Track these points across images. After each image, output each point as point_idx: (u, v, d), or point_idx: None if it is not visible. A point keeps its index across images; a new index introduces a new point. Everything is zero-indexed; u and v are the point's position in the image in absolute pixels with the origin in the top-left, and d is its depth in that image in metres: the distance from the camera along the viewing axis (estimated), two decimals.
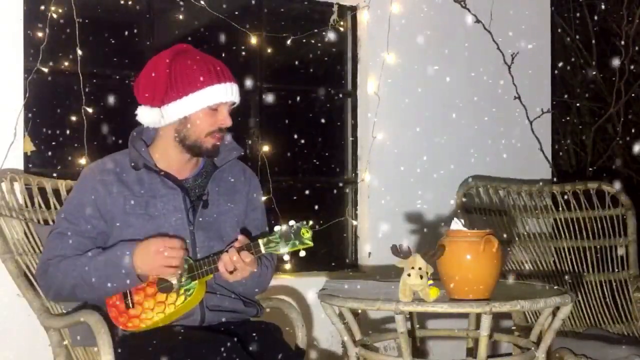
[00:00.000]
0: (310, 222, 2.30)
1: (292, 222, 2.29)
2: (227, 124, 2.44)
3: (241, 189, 2.57)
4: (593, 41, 5.01)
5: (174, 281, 2.33)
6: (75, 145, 3.16)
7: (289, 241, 2.28)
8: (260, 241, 2.29)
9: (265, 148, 3.60)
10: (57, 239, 2.41)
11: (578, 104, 5.26)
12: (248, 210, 2.57)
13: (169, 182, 2.44)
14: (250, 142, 3.63)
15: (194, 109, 2.39)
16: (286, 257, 2.33)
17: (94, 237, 2.41)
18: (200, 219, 2.44)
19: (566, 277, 3.60)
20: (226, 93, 2.41)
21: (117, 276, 2.30)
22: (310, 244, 2.28)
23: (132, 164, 2.43)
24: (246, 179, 2.60)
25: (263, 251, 2.30)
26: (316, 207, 3.75)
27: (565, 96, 5.17)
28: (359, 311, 3.13)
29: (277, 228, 2.29)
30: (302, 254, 2.32)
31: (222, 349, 2.18)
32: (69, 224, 2.41)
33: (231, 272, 2.31)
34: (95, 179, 2.43)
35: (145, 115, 2.45)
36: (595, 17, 5.02)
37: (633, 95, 4.94)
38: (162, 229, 2.39)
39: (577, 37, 5.09)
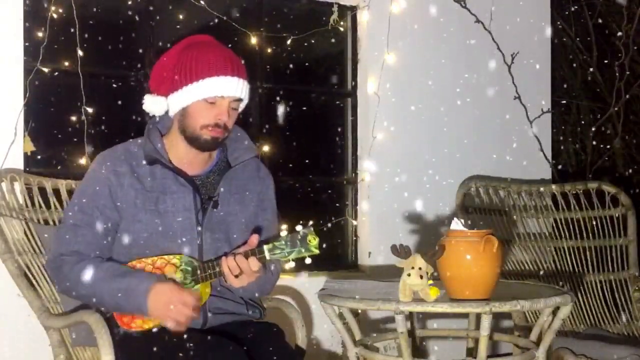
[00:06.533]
0: (311, 223, 2.23)
1: (299, 228, 2.22)
2: (223, 119, 2.34)
3: (253, 189, 2.50)
4: (593, 40, 5.01)
5: (178, 281, 2.29)
6: (75, 145, 3.16)
7: (294, 248, 2.20)
8: (266, 247, 2.22)
9: (265, 148, 3.60)
10: (70, 231, 2.34)
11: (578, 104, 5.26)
12: (258, 210, 2.51)
13: (181, 179, 2.38)
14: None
15: (190, 101, 2.34)
16: (291, 264, 2.27)
17: (108, 228, 2.34)
18: (209, 220, 2.39)
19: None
20: (225, 87, 2.32)
21: (129, 307, 2.26)
22: (317, 251, 2.21)
23: (146, 158, 2.37)
24: (260, 178, 2.54)
25: (268, 257, 2.22)
26: (316, 206, 3.75)
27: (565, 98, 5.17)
28: (359, 311, 3.13)
29: (283, 234, 2.22)
30: (308, 261, 2.23)
31: (224, 351, 2.17)
32: (82, 215, 2.34)
33: (236, 276, 2.26)
34: (108, 169, 2.36)
35: (151, 103, 2.40)
36: (595, 17, 5.02)
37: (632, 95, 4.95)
38: (169, 227, 2.35)
39: (577, 38, 5.08)
